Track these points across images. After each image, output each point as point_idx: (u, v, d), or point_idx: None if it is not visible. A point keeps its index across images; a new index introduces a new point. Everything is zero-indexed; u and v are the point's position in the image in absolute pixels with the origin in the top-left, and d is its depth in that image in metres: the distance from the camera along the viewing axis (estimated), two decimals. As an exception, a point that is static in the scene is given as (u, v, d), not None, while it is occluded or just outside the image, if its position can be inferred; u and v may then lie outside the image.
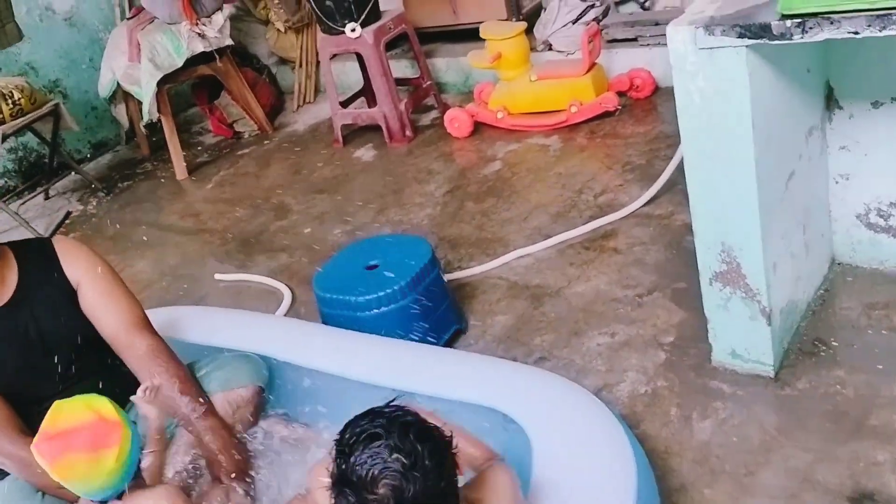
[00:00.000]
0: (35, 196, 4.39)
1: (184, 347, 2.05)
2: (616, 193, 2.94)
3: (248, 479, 1.86)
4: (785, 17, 1.53)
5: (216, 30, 4.19)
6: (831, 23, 1.48)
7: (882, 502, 1.60)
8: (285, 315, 2.81)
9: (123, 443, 1.52)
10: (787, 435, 1.79)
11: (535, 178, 3.24)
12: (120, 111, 4.65)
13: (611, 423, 1.64)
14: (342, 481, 1.20)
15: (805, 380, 1.92)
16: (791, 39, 1.54)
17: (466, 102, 4.01)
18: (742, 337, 1.94)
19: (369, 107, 4.17)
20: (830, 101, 2.04)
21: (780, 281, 1.90)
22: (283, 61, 5.11)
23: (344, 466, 1.20)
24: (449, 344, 2.35)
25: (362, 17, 3.79)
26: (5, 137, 3.84)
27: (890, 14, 1.42)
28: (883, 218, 2.10)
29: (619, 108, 3.49)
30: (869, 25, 1.45)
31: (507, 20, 4.03)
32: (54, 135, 4.24)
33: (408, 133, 3.98)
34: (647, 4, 3.83)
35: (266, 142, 4.54)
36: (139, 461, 1.59)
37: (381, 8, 3.95)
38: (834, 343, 2.01)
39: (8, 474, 1.84)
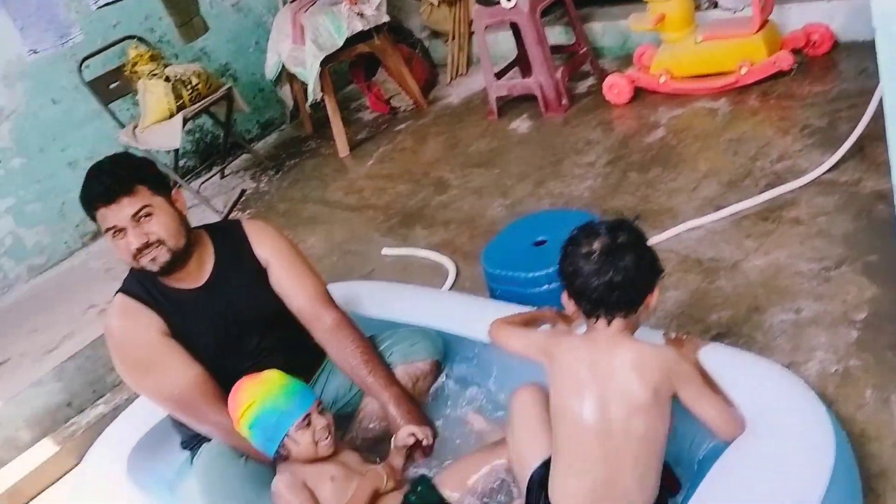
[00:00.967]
0: (212, 176, 4.70)
1: (360, 321, 2.15)
2: (795, 159, 2.77)
3: (428, 449, 1.93)
4: None
5: (373, 8, 4.28)
6: None
7: None
8: (451, 289, 2.86)
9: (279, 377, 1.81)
10: None
11: (703, 145, 3.11)
12: (285, 92, 4.86)
13: (807, 398, 1.57)
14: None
15: None
16: None
17: (624, 67, 3.89)
18: (949, 314, 1.79)
19: (523, 77, 4.14)
20: None
21: None
22: (435, 35, 5.16)
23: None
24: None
25: (518, -14, 3.75)
26: (186, 121, 4.11)
27: None
28: None
29: (795, 66, 3.28)
30: None
31: (668, -21, 3.86)
32: (228, 116, 4.50)
33: (564, 102, 3.92)
34: (823, -48, 3.56)
35: (422, 117, 4.61)
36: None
37: (536, -25, 3.90)
38: None
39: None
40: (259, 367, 2.04)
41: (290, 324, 2.11)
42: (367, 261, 3.33)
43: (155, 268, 1.93)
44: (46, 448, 2.83)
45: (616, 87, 3.70)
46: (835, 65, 3.27)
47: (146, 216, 1.89)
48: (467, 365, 2.16)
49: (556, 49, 4.10)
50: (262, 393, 1.77)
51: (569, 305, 1.62)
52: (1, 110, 4.13)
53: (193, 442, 2.06)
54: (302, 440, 1.77)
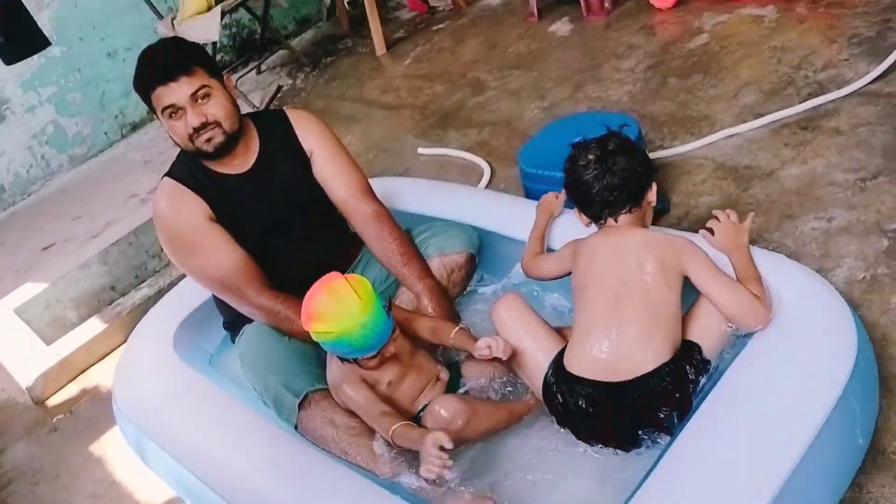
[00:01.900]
0: (249, 71, 4.71)
1: (398, 215, 2.20)
2: (840, 69, 2.73)
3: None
4: None
5: None
6: None
7: None
8: (486, 188, 2.90)
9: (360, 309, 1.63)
10: None
11: (746, 53, 3.05)
12: (323, -13, 4.80)
13: (832, 299, 1.62)
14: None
15: None
16: None
17: (672, -29, 3.78)
18: (983, 226, 1.80)
19: (567, -22, 4.05)
20: None
21: None
22: (477, -68, 5.02)
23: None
24: (651, 224, 2.35)
25: None
26: (223, 14, 4.09)
27: None
28: None
29: (848, -27, 3.17)
30: None
31: None
32: (265, 11, 4.47)
33: (606, 5, 3.84)
34: None
35: (460, 17, 4.54)
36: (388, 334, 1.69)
37: None
38: None
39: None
40: (302, 250, 2.11)
41: (330, 213, 2.17)
42: (402, 159, 3.37)
43: (210, 149, 1.96)
44: (95, 326, 2.97)
45: (661, -9, 3.61)
46: (891, -28, 3.15)
47: (204, 97, 1.92)
48: (501, 262, 2.20)
49: (601, -51, 3.98)
50: (339, 326, 1.63)
51: (581, 218, 1.81)
52: (41, -2, 4.14)
53: (236, 322, 2.15)
54: (370, 363, 1.72)
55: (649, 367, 1.56)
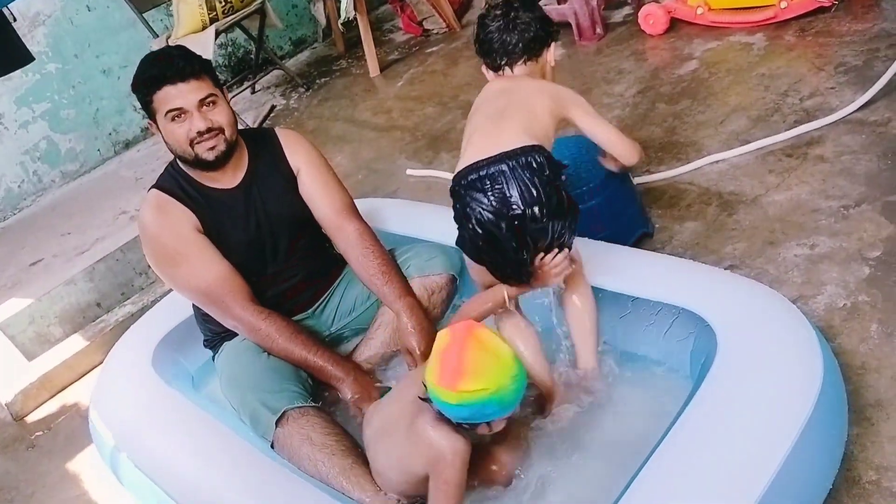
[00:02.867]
0: (243, 90, 4.73)
1: (382, 236, 2.20)
2: (826, 97, 2.74)
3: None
4: None
5: (410, -75, 4.21)
6: None
7: None
8: (472, 211, 2.89)
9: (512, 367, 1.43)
10: None
11: (734, 80, 3.07)
12: (318, 9, 4.84)
13: (800, 327, 1.61)
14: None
15: None
16: None
17: (663, -2, 3.82)
18: (962, 255, 1.80)
19: (559, 3, 4.06)
20: None
21: None
22: (472, -43, 5.07)
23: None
24: (634, 247, 2.34)
25: None
26: (218, 33, 4.12)
27: None
28: None
29: (836, 2, 3.20)
30: None
31: None
32: (260, 31, 4.50)
33: (598, 31, 3.87)
34: None
35: (454, 40, 4.57)
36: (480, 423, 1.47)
37: None
38: None
39: (237, 335, 2.08)
40: (284, 273, 2.11)
41: (315, 232, 2.18)
42: (391, 180, 3.37)
43: (211, 157, 1.96)
44: (76, 342, 2.95)
45: (652, 18, 3.64)
46: (877, 2, 3.18)
47: (210, 104, 1.94)
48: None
49: (593, -24, 4.02)
50: (497, 382, 1.40)
51: (486, 73, 2.00)
52: (37, 14, 4.16)
53: (216, 340, 2.15)
54: (500, 426, 1.48)
55: (524, 142, 1.68)
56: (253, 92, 4.83)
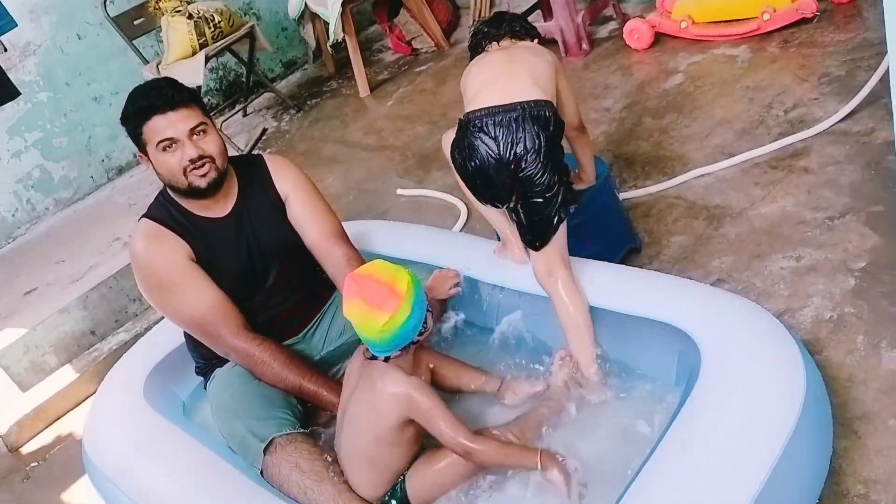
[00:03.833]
0: (235, 113, 4.76)
1: (370, 258, 2.20)
2: (810, 108, 2.76)
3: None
4: None
5: (396, -53, 4.25)
6: None
7: None
8: (461, 230, 2.91)
9: (396, 315, 1.60)
10: None
11: (719, 92, 3.09)
12: (308, 31, 4.86)
13: (783, 342, 1.61)
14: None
15: None
16: None
17: (648, 12, 3.84)
18: (945, 265, 1.81)
19: (545, 20, 4.10)
20: None
21: None
22: (459, -25, 5.11)
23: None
24: (622, 262, 2.36)
25: (541, -74, 3.71)
26: (208, 58, 4.14)
27: None
28: None
29: (818, 13, 3.22)
30: None
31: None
32: (250, 55, 4.53)
33: (584, 46, 3.90)
34: None
35: (443, 58, 4.60)
36: (412, 341, 1.67)
37: (561, -85, 3.83)
38: None
39: (228, 361, 2.08)
40: (274, 298, 2.12)
41: (305, 257, 2.18)
42: (383, 200, 3.39)
43: (203, 184, 1.97)
44: (70, 372, 2.96)
45: (637, 33, 3.67)
46: (859, 13, 3.21)
47: (201, 132, 1.95)
48: (474, 307, 2.20)
49: (579, -8, 4.06)
50: (397, 298, 1.61)
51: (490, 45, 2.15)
52: (28, 44, 4.19)
53: (207, 366, 2.15)
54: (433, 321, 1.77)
55: (538, 96, 1.88)
56: (244, 115, 4.86)
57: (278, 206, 2.14)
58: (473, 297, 2.19)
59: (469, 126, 1.91)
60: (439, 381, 1.91)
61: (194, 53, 4.12)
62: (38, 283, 3.48)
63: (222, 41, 4.19)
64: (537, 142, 1.85)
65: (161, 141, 1.93)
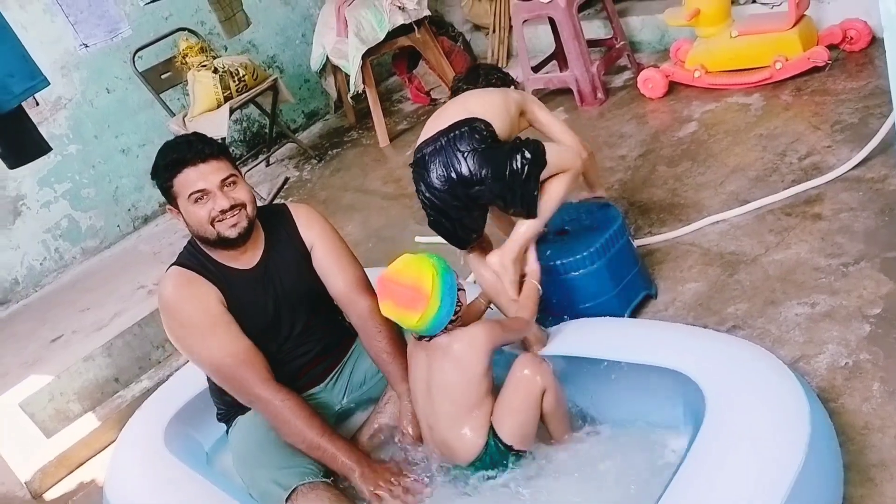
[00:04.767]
0: (258, 164, 4.86)
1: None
2: (823, 155, 2.78)
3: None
4: None
5: (415, 2, 4.37)
6: None
7: None
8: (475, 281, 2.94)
9: (426, 311, 1.76)
10: None
11: (733, 140, 3.13)
12: (329, 83, 4.98)
13: (788, 386, 1.62)
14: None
15: None
16: None
17: (662, 62, 3.92)
18: (959, 311, 1.81)
19: (561, 70, 4.18)
20: None
21: None
22: (476, 28, 5.23)
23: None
24: (638, 309, 2.38)
25: (555, -20, 3.81)
26: (232, 111, 4.26)
27: None
28: None
29: (830, 62, 3.27)
30: None
31: (706, -26, 3.87)
32: (273, 107, 4.64)
33: (599, 96, 3.97)
34: (865, -53, 3.53)
35: (461, 108, 4.69)
36: (444, 325, 1.82)
37: (574, -30, 3.94)
38: None
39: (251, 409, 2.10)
40: (300, 349, 2.16)
41: (328, 307, 2.22)
42: (401, 247, 3.41)
43: (233, 234, 2.02)
44: (93, 420, 3.00)
45: (651, 82, 3.74)
46: (871, 61, 3.25)
47: (232, 183, 2.02)
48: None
49: (594, 43, 4.15)
50: (429, 291, 1.77)
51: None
52: (58, 99, 4.33)
53: (230, 413, 2.17)
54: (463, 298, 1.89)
55: (459, 118, 2.06)
56: (267, 165, 4.96)
57: (304, 254, 2.18)
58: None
59: (412, 169, 2.11)
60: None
61: (219, 106, 4.24)
62: (64, 331, 3.55)
63: (246, 94, 4.31)
64: (466, 161, 2.00)
65: (193, 193, 1.98)
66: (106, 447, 2.90)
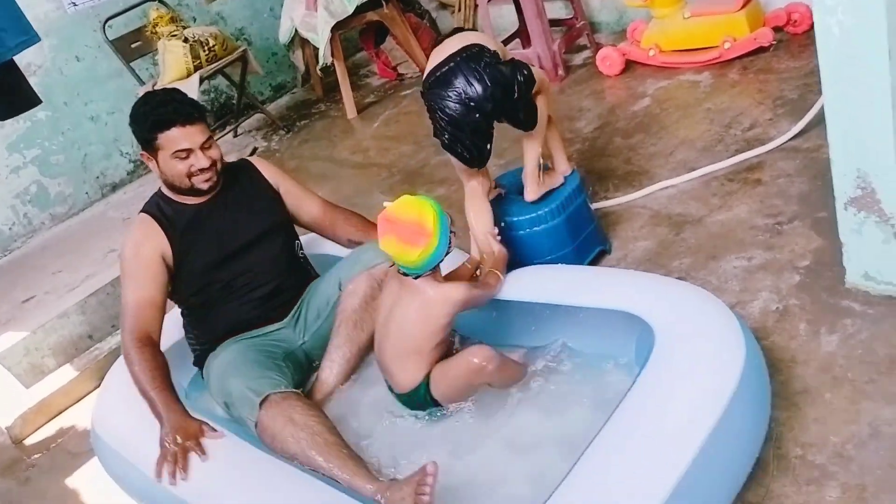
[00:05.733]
0: (225, 134, 4.94)
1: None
2: (765, 127, 3.00)
3: None
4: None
5: (383, -22, 4.50)
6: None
7: None
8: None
9: (427, 248, 1.88)
10: (914, 351, 1.89)
11: (683, 114, 3.34)
12: (297, 56, 5.08)
13: (727, 322, 1.81)
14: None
15: (939, 302, 1.99)
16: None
17: (620, 41, 4.11)
18: (875, 260, 2.03)
19: (524, 48, 4.34)
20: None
21: (916, 206, 1.97)
22: (442, 6, 5.37)
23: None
24: (593, 263, 2.57)
25: (519, -40, 3.97)
26: (202, 80, 4.34)
27: None
28: None
29: (774, 43, 3.49)
30: None
31: (662, -42, 4.07)
32: (242, 78, 4.73)
33: (560, 73, 4.15)
34: (809, -64, 3.76)
35: (427, 83, 4.83)
36: (436, 264, 1.96)
37: (538, -49, 4.10)
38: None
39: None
40: (255, 281, 2.35)
41: (287, 241, 2.45)
42: (370, 214, 3.53)
43: (206, 187, 2.29)
44: (70, 371, 3.10)
45: (608, 60, 3.93)
46: (812, 42, 3.41)
47: (209, 146, 2.27)
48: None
49: (556, 22, 4.32)
50: (429, 230, 1.89)
51: None
52: (29, 65, 4.35)
53: (203, 357, 2.33)
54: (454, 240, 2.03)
55: (465, 43, 2.23)
56: (235, 135, 5.05)
57: (272, 194, 2.46)
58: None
59: (425, 92, 2.24)
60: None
61: (189, 75, 4.32)
62: (36, 292, 3.61)
63: (216, 63, 4.40)
64: (481, 76, 2.14)
65: (178, 150, 2.22)
66: (84, 396, 3.01)
